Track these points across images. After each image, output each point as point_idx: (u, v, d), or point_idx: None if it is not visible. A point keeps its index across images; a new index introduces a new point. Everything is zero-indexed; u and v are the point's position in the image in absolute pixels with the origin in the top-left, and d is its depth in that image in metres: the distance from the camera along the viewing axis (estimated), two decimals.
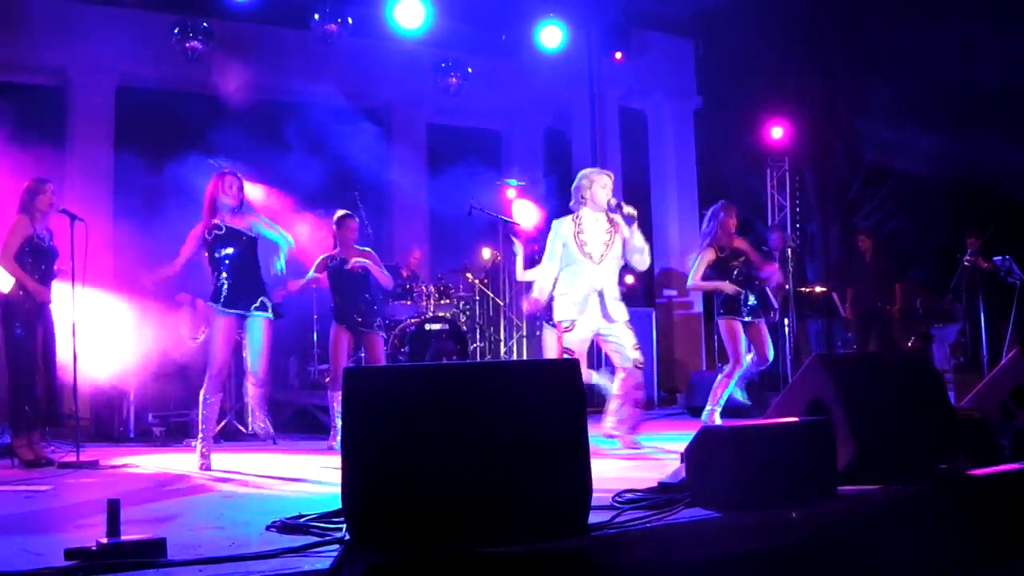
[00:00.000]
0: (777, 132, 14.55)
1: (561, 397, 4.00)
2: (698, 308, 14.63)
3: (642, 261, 7.72)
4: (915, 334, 14.22)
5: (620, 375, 7.56)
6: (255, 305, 7.17)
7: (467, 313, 11.72)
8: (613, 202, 7.56)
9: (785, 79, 16.36)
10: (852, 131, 17.12)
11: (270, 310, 7.27)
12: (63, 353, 7.51)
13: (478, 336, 11.91)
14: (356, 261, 8.64)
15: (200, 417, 7.12)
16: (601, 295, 7.49)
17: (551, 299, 7.95)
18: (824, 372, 5.25)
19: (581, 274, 7.49)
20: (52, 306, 7.60)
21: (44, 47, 11.08)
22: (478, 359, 11.43)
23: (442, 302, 11.04)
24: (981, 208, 14.36)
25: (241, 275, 7.18)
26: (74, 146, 11.36)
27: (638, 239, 7.60)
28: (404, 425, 3.67)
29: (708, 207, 9.21)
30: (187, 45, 11.41)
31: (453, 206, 11.57)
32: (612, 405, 7.63)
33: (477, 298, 12.07)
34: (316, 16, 12.02)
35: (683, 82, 15.04)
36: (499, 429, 3.82)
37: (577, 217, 7.58)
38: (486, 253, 12.81)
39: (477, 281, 12.09)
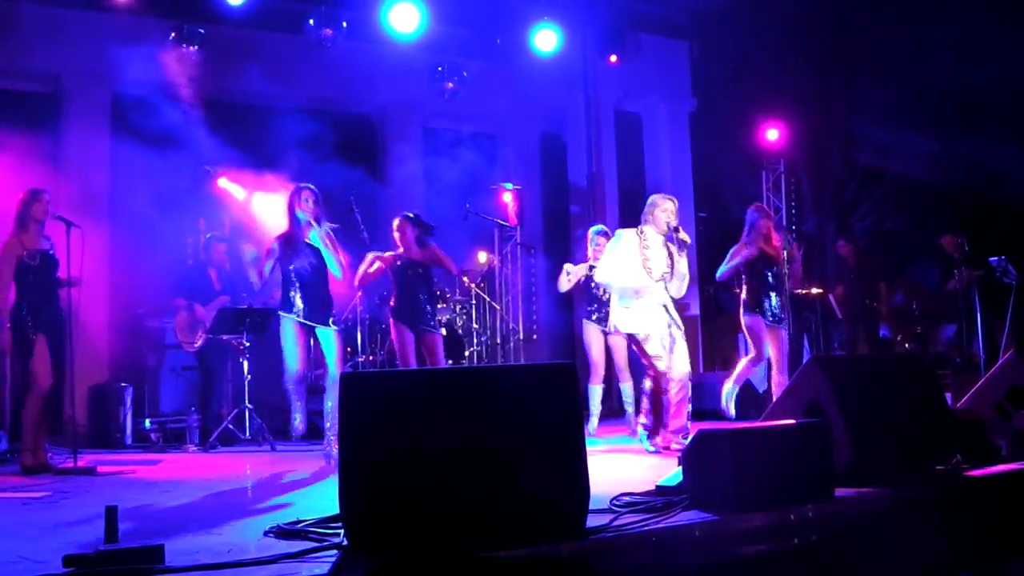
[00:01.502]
0: (772, 134, 14.56)
1: (558, 401, 4.00)
2: (695, 311, 14.63)
3: (679, 289, 7.98)
4: (911, 335, 14.24)
5: (674, 386, 7.82)
6: (331, 318, 7.46)
7: (464, 317, 11.71)
8: (673, 223, 7.83)
9: (780, 81, 16.34)
10: (847, 133, 17.12)
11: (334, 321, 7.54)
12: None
13: (474, 340, 11.90)
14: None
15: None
16: (666, 307, 7.81)
17: (601, 301, 9.10)
18: (821, 374, 5.27)
19: (641, 289, 7.72)
20: (64, 315, 7.61)
21: (39, 53, 11.05)
22: (475, 363, 11.42)
23: (439, 306, 11.04)
24: (976, 209, 14.38)
25: (316, 287, 7.41)
26: (70, 152, 11.32)
27: (683, 266, 7.90)
28: (401, 430, 3.68)
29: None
30: (182, 51, 11.41)
31: (449, 210, 11.57)
32: (670, 415, 7.83)
33: (474, 302, 12.06)
34: (311, 21, 12.02)
35: (678, 85, 15.03)
36: (496, 433, 3.82)
37: (641, 232, 7.82)
38: (482, 257, 12.80)
39: (473, 285, 12.08)
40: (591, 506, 3.97)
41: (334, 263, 7.47)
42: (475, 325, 12.00)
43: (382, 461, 3.64)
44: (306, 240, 7.44)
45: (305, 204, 7.41)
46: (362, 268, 8.89)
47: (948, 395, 7.57)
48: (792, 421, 5.06)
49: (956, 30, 15.36)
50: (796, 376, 5.58)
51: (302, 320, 7.35)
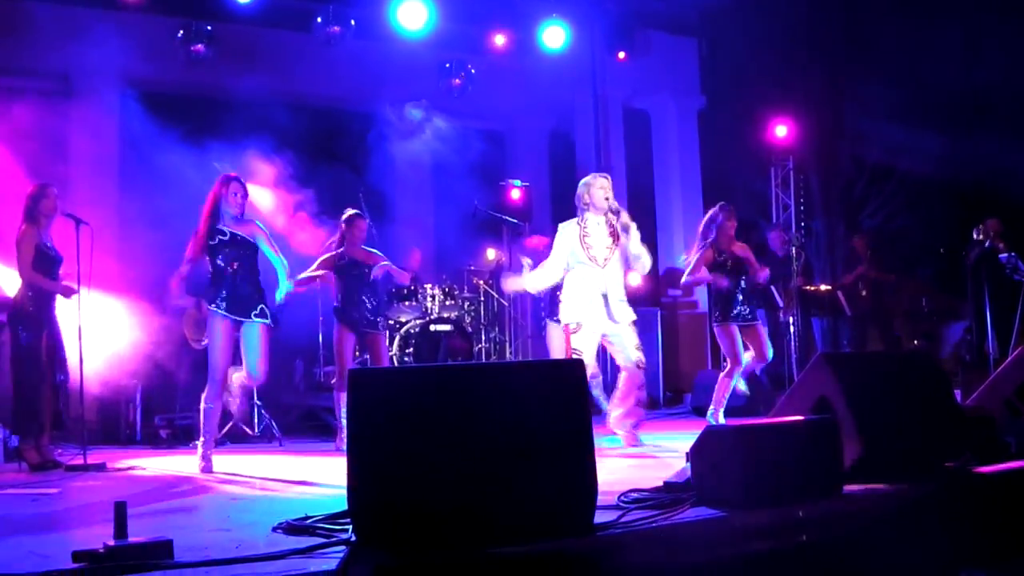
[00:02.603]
0: (781, 131, 14.52)
1: (566, 397, 4.00)
2: (703, 308, 14.61)
3: (643, 266, 7.88)
4: (920, 332, 14.20)
5: (623, 374, 7.72)
6: (255, 312, 7.16)
7: (472, 314, 11.72)
8: (614, 206, 7.72)
9: (789, 78, 16.30)
10: (856, 130, 17.08)
11: (268, 317, 7.25)
12: (71, 357, 7.55)
13: (483, 337, 11.91)
14: (381, 267, 8.68)
15: (201, 421, 7.16)
16: (606, 297, 7.62)
17: (555, 298, 8.57)
18: (829, 371, 5.26)
19: (586, 277, 7.63)
20: (58, 311, 7.62)
21: (48, 52, 11.07)
22: (483, 359, 11.43)
23: (447, 303, 11.05)
24: (986, 207, 14.34)
25: (242, 281, 7.18)
26: (78, 150, 11.34)
27: (634, 246, 7.74)
28: (409, 426, 3.68)
29: (710, 209, 9.26)
30: (191, 49, 11.43)
31: (457, 207, 11.57)
32: (615, 402, 7.78)
33: (482, 299, 12.07)
34: (319, 19, 12.03)
35: (687, 82, 15.02)
36: (504, 429, 3.82)
37: (582, 221, 7.73)
38: (490, 254, 12.81)
39: (482, 282, 12.10)
40: (599, 503, 3.97)
41: (280, 266, 7.33)
42: (483, 322, 12.01)
43: (390, 457, 3.64)
44: (234, 232, 7.19)
45: (233, 197, 7.18)
46: (307, 272, 8.54)
47: (958, 392, 7.56)
48: (800, 418, 5.06)
49: (966, 28, 15.32)
50: (804, 373, 5.58)
51: (224, 314, 7.07)
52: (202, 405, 7.13)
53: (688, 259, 9.07)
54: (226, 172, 7.49)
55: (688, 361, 14.16)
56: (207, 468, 6.98)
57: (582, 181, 7.94)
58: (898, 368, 5.90)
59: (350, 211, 8.92)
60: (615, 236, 7.70)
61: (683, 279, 9.17)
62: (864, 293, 13.25)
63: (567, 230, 7.76)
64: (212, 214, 7.19)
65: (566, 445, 3.93)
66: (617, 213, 7.66)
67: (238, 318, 7.12)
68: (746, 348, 8.78)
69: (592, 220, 7.71)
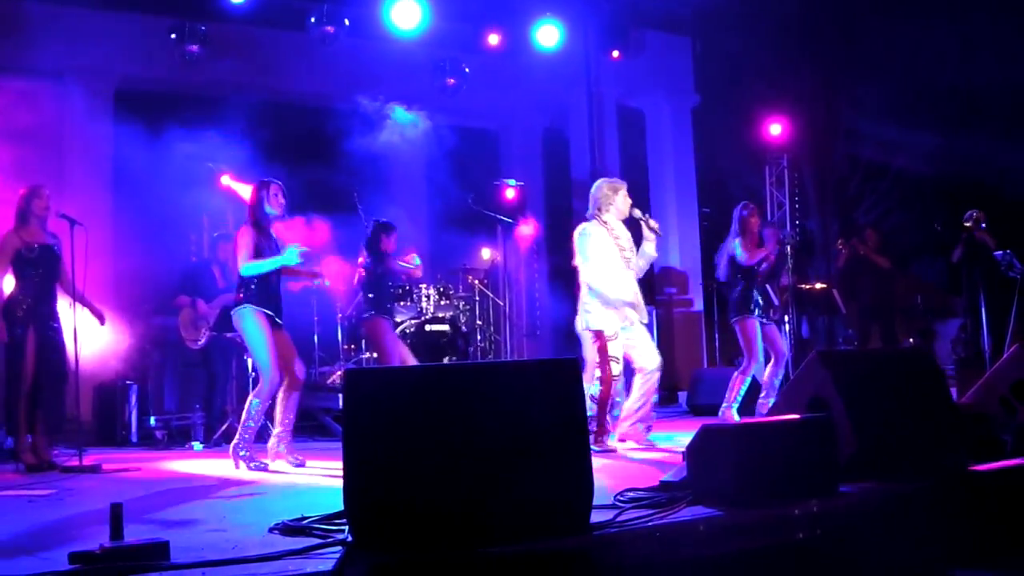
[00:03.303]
0: (775, 129, 14.54)
1: (561, 396, 4.00)
2: (698, 306, 14.64)
3: (643, 269, 7.83)
4: (916, 330, 14.24)
5: (642, 379, 7.59)
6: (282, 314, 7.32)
7: (467, 314, 11.71)
8: (638, 213, 7.70)
9: (783, 76, 16.34)
10: (850, 128, 17.11)
11: None
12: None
13: (478, 337, 11.91)
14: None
15: (251, 418, 7.20)
16: (635, 295, 7.60)
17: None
18: (825, 369, 5.26)
19: (622, 280, 7.53)
20: (58, 311, 7.59)
21: (42, 51, 11.05)
22: (479, 359, 11.42)
23: (442, 303, 11.04)
24: (980, 204, 14.39)
25: (279, 286, 7.31)
26: (73, 150, 11.32)
27: (652, 249, 7.73)
28: (405, 426, 3.68)
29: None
30: (185, 48, 11.41)
31: (452, 207, 11.55)
32: (629, 411, 7.62)
33: (477, 299, 12.06)
34: (313, 18, 12.02)
35: (681, 80, 15.01)
36: (500, 429, 3.82)
37: (606, 223, 7.60)
38: (485, 254, 12.81)
39: (477, 282, 12.09)
40: (595, 502, 3.97)
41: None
42: (479, 322, 12.00)
43: (386, 457, 3.64)
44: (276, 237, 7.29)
45: (275, 199, 7.23)
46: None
47: (953, 390, 7.57)
48: (796, 416, 5.06)
49: (959, 26, 15.35)
50: (800, 371, 5.58)
51: (271, 314, 7.16)
52: (256, 403, 7.16)
53: (742, 245, 9.04)
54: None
55: (683, 359, 14.16)
56: (258, 463, 7.09)
57: (602, 182, 7.81)
58: (893, 366, 5.91)
59: (382, 220, 9.32)
60: (632, 240, 7.66)
61: (742, 258, 9.06)
62: (842, 256, 13.24)
63: (597, 231, 7.55)
64: (256, 213, 7.25)
65: (562, 444, 3.93)
66: (646, 220, 7.64)
67: (279, 320, 7.23)
68: (767, 357, 8.82)
69: (616, 224, 7.62)
